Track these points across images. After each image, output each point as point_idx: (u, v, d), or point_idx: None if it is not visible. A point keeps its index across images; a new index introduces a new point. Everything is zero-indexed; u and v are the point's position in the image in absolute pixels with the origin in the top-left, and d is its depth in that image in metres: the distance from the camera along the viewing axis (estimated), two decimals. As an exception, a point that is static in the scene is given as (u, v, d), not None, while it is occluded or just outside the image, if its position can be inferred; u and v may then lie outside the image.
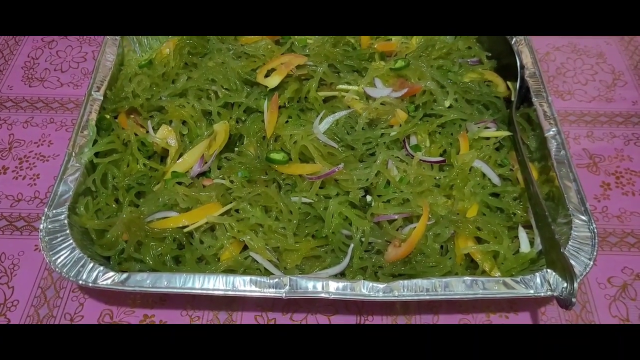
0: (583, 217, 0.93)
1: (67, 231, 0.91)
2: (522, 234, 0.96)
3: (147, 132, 1.07)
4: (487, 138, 1.07)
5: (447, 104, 1.10)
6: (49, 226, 0.91)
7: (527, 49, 1.20)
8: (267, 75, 1.14)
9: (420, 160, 1.00)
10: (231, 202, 0.97)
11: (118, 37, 1.23)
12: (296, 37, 1.26)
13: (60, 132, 1.25)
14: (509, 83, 1.18)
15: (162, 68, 1.18)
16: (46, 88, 1.34)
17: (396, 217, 0.94)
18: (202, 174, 1.05)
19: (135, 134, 1.05)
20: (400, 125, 1.06)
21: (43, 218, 0.92)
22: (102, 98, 1.11)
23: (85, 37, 1.46)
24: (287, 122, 1.10)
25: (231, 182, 1.00)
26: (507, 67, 1.20)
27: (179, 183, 1.00)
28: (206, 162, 1.04)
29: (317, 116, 1.08)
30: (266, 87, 1.12)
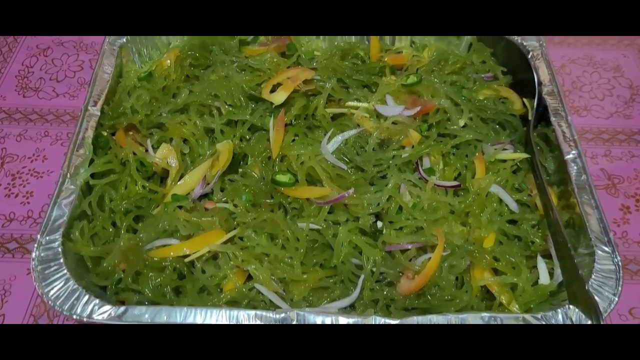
0: (606, 248, 0.88)
1: (61, 260, 0.86)
2: (542, 264, 0.91)
3: (147, 151, 1.01)
4: (504, 160, 1.02)
5: (461, 123, 1.05)
6: (42, 254, 0.86)
7: (544, 64, 1.15)
8: (272, 91, 1.08)
9: (434, 184, 0.95)
10: (235, 229, 0.92)
11: (116, 47, 1.18)
12: (303, 49, 1.20)
13: (55, 146, 1.19)
14: (525, 100, 1.13)
15: (163, 81, 1.12)
16: (41, 99, 1.28)
17: (409, 247, 0.89)
18: (204, 196, 1.00)
19: (134, 153, 1.00)
20: (413, 147, 1.01)
21: (35, 245, 0.86)
22: (99, 113, 1.05)
23: (81, 44, 1.40)
24: (293, 140, 1.05)
25: (235, 206, 0.95)
26: (524, 83, 1.15)
27: (180, 207, 0.95)
28: (208, 184, 0.99)
29: (325, 135, 1.03)
30: (272, 103, 1.06)
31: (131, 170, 0.98)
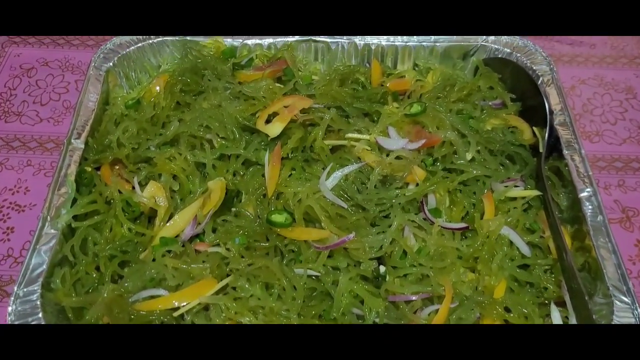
0: (625, 299, 0.82)
1: (40, 314, 0.80)
2: (555, 313, 0.85)
3: (133, 188, 0.95)
4: (514, 198, 0.96)
5: (468, 156, 0.98)
6: (19, 308, 0.80)
7: (555, 90, 1.09)
8: (268, 121, 1.02)
9: (440, 227, 0.89)
10: (228, 275, 0.86)
11: (102, 72, 1.11)
12: (301, 73, 1.14)
13: (38, 176, 1.13)
14: (535, 129, 1.07)
15: (151, 110, 1.06)
16: (24, 124, 1.21)
17: (414, 298, 0.83)
18: (196, 236, 0.94)
19: (120, 192, 0.93)
20: (417, 185, 0.95)
21: (12, 298, 0.80)
22: (83, 147, 0.99)
23: (67, 64, 1.33)
24: (290, 175, 0.98)
25: (227, 250, 0.89)
26: (533, 110, 1.09)
27: (169, 251, 0.88)
28: (199, 224, 0.93)
29: (324, 170, 0.97)
30: (267, 135, 1.00)
31: (116, 211, 0.91)
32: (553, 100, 1.07)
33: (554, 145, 1.03)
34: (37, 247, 0.85)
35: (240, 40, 1.19)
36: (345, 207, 0.93)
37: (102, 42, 1.19)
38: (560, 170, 1.00)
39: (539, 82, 1.11)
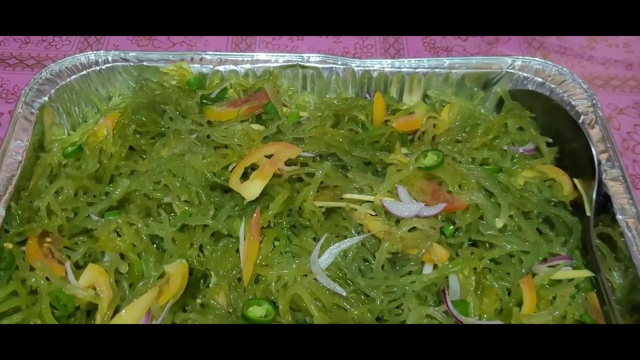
0: None
1: None
2: None
3: (67, 274, 0.73)
4: (559, 280, 0.75)
5: (499, 224, 0.78)
6: None
7: (602, 132, 0.88)
8: (244, 175, 0.80)
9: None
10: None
11: (35, 110, 0.88)
12: (286, 110, 0.92)
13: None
14: (576, 181, 0.86)
15: (96, 160, 0.83)
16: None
17: None
18: (150, 334, 0.72)
19: (48, 278, 0.71)
20: (435, 266, 0.74)
21: None
22: (3, 214, 0.76)
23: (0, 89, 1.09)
24: (272, 249, 0.77)
25: (190, 359, 0.67)
26: (571, 157, 0.89)
27: None
28: (155, 320, 0.71)
29: (315, 241, 0.76)
30: (243, 197, 0.78)
31: (42, 309, 0.69)
32: (598, 143, 0.87)
33: (603, 204, 0.83)
34: None
35: (211, 67, 0.96)
36: (344, 294, 0.72)
37: (46, 61, 0.95)
38: (613, 240, 0.80)
39: (580, 121, 0.90)
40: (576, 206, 0.85)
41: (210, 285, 0.75)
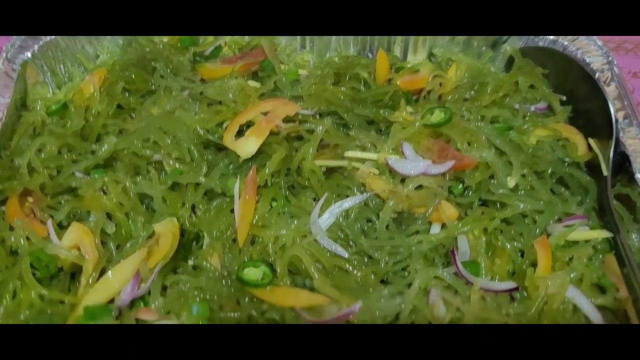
0: None
1: None
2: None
3: (49, 234, 0.68)
4: (575, 241, 0.70)
5: (511, 183, 0.73)
6: None
7: (619, 89, 0.83)
8: (239, 133, 0.75)
9: (481, 289, 0.64)
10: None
11: (17, 67, 0.83)
12: (284, 67, 0.87)
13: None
14: (591, 141, 0.81)
15: (81, 118, 0.78)
16: None
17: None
18: (139, 299, 0.67)
19: (29, 238, 0.66)
20: (443, 225, 0.69)
21: None
22: (-18, 172, 0.71)
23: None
24: (270, 209, 0.72)
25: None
26: (587, 116, 0.84)
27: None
28: (143, 283, 0.66)
29: (315, 202, 0.71)
30: (238, 155, 0.73)
31: (22, 270, 0.64)
32: (616, 104, 0.82)
33: (620, 164, 0.78)
34: None
35: (204, 23, 0.91)
36: (346, 256, 0.67)
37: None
38: (631, 199, 0.75)
39: (596, 76, 0.85)
40: (591, 167, 0.80)
41: (204, 247, 0.70)
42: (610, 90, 0.84)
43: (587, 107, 0.84)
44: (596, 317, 0.65)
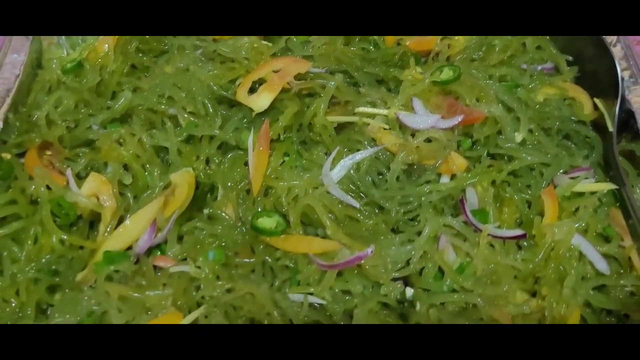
0: None
1: None
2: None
3: (68, 183, 0.70)
4: (581, 193, 0.72)
5: (518, 137, 0.75)
6: None
7: (624, 50, 0.85)
8: (252, 91, 0.77)
9: (489, 235, 0.66)
10: (198, 306, 0.62)
11: (32, 26, 0.84)
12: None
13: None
14: (597, 101, 0.83)
15: (97, 75, 0.80)
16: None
17: (459, 338, 0.60)
18: (156, 247, 0.69)
19: (48, 187, 0.68)
20: (453, 177, 0.71)
21: None
22: (1, 124, 0.73)
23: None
24: (282, 163, 0.74)
25: (198, 268, 0.65)
26: (593, 76, 0.85)
27: (117, 270, 0.64)
28: (160, 231, 0.68)
29: (327, 156, 0.72)
30: (251, 109, 0.75)
31: (43, 216, 0.66)
32: (622, 64, 0.83)
33: (625, 121, 0.80)
34: None
35: (216, -15, 0.92)
36: (358, 206, 0.69)
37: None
38: (635, 155, 0.77)
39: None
40: (597, 126, 0.82)
41: (218, 198, 0.72)
42: (616, 51, 0.85)
43: (593, 68, 0.85)
44: (601, 264, 0.66)
